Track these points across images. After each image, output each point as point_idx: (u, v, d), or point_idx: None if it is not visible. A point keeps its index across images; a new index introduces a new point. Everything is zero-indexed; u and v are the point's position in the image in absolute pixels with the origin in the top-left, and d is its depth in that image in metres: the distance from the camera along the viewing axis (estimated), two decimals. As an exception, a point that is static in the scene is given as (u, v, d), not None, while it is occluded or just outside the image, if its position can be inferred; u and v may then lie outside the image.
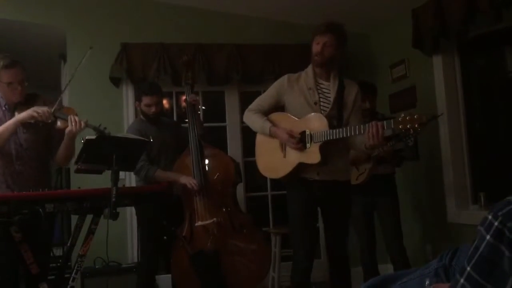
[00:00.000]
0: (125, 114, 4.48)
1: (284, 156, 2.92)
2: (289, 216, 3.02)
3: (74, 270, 2.67)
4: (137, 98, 3.73)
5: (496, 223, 1.17)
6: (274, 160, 2.98)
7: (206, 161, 3.60)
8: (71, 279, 2.64)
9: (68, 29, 4.43)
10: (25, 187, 2.68)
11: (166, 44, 4.43)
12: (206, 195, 3.48)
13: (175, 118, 4.64)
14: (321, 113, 2.87)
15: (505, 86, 3.83)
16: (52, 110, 2.74)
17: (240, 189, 4.24)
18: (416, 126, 2.50)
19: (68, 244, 2.80)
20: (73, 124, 2.70)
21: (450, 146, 3.98)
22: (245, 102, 4.50)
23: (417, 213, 4.39)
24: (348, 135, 2.72)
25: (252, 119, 3.06)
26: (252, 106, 3.11)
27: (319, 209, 3.03)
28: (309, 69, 3.01)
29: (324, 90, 2.96)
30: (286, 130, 2.87)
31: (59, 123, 2.77)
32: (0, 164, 2.77)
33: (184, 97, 3.92)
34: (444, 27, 3.70)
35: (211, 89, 4.69)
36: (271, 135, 2.95)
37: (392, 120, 2.59)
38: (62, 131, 2.79)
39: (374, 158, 3.57)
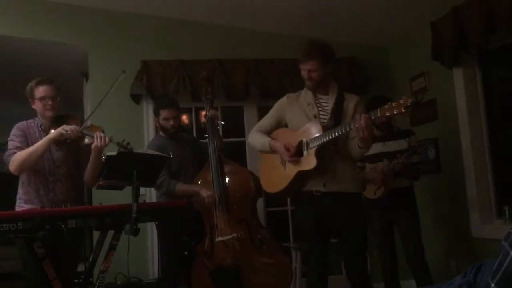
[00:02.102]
0: (145, 130, 4.54)
1: (285, 169, 2.95)
2: (299, 234, 3.03)
3: (96, 286, 2.68)
4: (155, 113, 3.77)
5: (520, 238, 1.14)
6: (276, 175, 3.01)
7: (226, 176, 3.60)
8: (93, 295, 2.66)
9: (90, 48, 4.53)
10: (57, 203, 2.78)
11: (185, 60, 4.49)
12: (226, 210, 3.48)
13: (194, 134, 4.67)
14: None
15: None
16: (80, 128, 2.88)
17: (260, 203, 4.23)
18: (402, 110, 2.48)
19: (90, 260, 2.82)
20: (98, 139, 2.81)
21: (472, 159, 3.92)
22: (264, 116, 4.52)
23: (440, 228, 4.32)
24: (340, 133, 2.70)
25: (254, 138, 3.15)
26: (255, 127, 3.22)
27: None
28: None
29: (323, 103, 2.99)
30: (282, 143, 2.92)
31: (86, 140, 2.89)
32: (34, 180, 2.90)
33: (204, 113, 3.95)
34: (464, 39, 3.67)
35: (230, 104, 4.72)
36: (271, 149, 3.00)
37: (378, 109, 2.58)
38: (89, 147, 2.89)
39: (391, 172, 3.54)
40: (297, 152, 2.88)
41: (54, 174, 2.93)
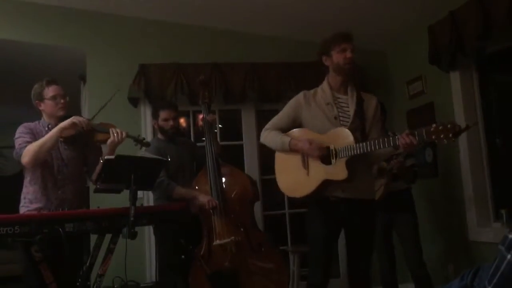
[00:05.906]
0: (143, 133, 4.53)
1: (308, 174, 2.78)
2: (309, 236, 2.88)
3: (93, 290, 2.68)
4: (154, 116, 3.79)
5: (517, 242, 1.15)
6: (297, 178, 2.83)
7: (224, 180, 3.60)
8: (90, 298, 2.65)
9: (88, 51, 4.53)
10: (65, 202, 2.84)
11: (182, 64, 4.49)
12: (224, 213, 3.48)
13: (192, 137, 4.67)
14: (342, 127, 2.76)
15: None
16: (91, 121, 2.94)
17: (257, 207, 4.23)
18: (450, 135, 2.39)
19: (87, 264, 2.81)
20: (115, 134, 2.88)
21: (470, 162, 3.93)
22: (261, 120, 4.52)
23: (437, 232, 4.33)
24: (377, 148, 2.57)
25: (270, 137, 2.93)
26: (268, 125, 2.99)
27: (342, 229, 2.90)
28: (325, 85, 2.91)
29: (342, 104, 2.84)
30: (306, 140, 2.74)
31: (99, 136, 2.94)
32: (42, 178, 2.89)
33: (201, 116, 3.95)
34: (461, 43, 3.69)
35: (228, 108, 4.72)
36: (291, 149, 2.82)
37: (424, 131, 2.47)
38: (101, 143, 2.96)
39: (389, 173, 3.55)
40: (323, 159, 2.73)
41: (63, 172, 2.94)
